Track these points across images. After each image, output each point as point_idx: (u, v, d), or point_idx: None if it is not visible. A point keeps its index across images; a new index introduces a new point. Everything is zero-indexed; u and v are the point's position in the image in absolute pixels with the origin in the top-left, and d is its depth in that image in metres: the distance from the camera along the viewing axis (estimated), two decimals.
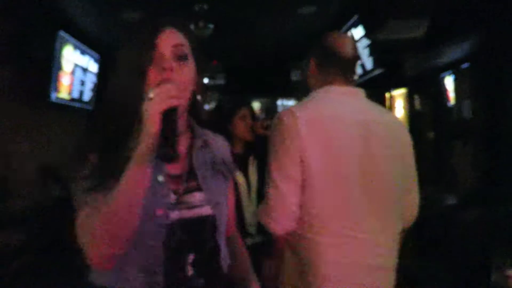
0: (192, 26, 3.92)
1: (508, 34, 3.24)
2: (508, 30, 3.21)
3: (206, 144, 0.92)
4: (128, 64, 0.80)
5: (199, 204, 0.86)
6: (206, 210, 0.87)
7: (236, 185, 1.72)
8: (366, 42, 4.18)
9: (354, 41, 1.34)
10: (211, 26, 3.92)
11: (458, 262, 2.27)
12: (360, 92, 1.27)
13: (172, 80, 0.77)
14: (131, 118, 0.76)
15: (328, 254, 1.13)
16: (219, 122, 1.99)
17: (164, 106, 0.70)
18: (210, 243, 0.87)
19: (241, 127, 1.96)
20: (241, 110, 2.00)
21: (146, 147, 0.69)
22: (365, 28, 4.06)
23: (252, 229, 1.88)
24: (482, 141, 3.59)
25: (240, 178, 1.88)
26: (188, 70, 0.83)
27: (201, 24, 3.84)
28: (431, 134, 6.12)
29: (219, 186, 0.92)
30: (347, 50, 1.26)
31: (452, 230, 2.86)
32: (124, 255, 0.74)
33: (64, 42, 4.01)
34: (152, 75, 0.79)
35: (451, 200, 3.59)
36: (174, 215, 0.82)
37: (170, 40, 0.81)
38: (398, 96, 6.82)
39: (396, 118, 1.29)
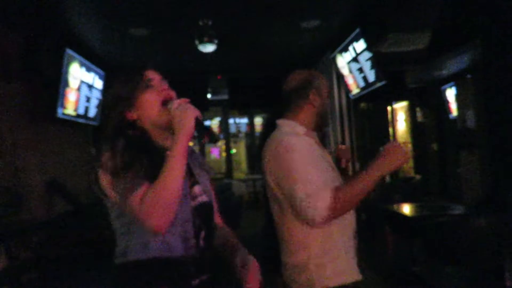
0: (196, 41, 3.99)
1: (507, 44, 3.29)
2: (506, 40, 3.27)
3: (192, 151, 1.24)
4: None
5: (200, 194, 1.17)
6: (204, 198, 1.17)
7: None
8: (368, 55, 4.23)
9: (296, 75, 1.53)
10: (216, 41, 3.98)
11: (471, 268, 2.25)
12: (279, 123, 1.50)
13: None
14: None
15: None
16: None
17: (197, 112, 1.06)
18: (211, 223, 1.19)
19: None
20: None
21: (186, 142, 1.04)
22: (367, 41, 4.12)
23: None
24: (488, 150, 3.60)
25: None
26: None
27: (206, 39, 3.90)
28: (434, 145, 6.14)
29: (206, 180, 1.23)
30: (284, 85, 1.54)
31: (463, 237, 2.85)
32: (169, 227, 1.02)
33: (71, 60, 4.07)
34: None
35: (459, 210, 3.58)
36: (193, 202, 1.14)
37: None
38: (400, 109, 6.87)
39: (270, 145, 1.42)
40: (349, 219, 1.42)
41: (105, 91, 1.39)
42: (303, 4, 3.72)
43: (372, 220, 4.00)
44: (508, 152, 3.30)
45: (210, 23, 3.87)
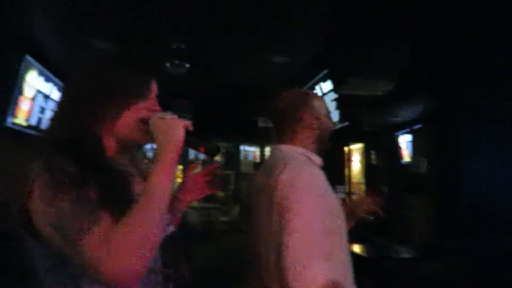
0: (167, 63, 3.95)
1: (460, 99, 3.57)
2: (459, 95, 3.56)
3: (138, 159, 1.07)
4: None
5: (169, 223, 0.99)
6: (171, 228, 0.98)
7: None
8: (333, 96, 4.40)
9: (286, 95, 1.34)
10: (187, 65, 3.96)
11: None
12: (277, 151, 1.29)
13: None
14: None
15: None
16: None
17: (185, 122, 0.86)
18: (180, 263, 1.01)
19: None
20: None
21: (173, 159, 0.81)
22: (334, 82, 4.30)
23: None
24: (436, 196, 3.80)
25: None
26: None
27: (177, 62, 3.86)
28: (384, 188, 6.39)
29: None
30: (272, 106, 1.34)
31: (409, 281, 2.92)
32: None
33: (29, 67, 3.84)
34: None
35: (405, 253, 3.70)
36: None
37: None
38: (356, 150, 7.14)
39: (275, 176, 1.15)
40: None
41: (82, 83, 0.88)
42: (273, 40, 3.83)
43: None
44: (455, 199, 3.51)
45: (183, 46, 3.86)
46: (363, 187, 6.67)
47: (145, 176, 0.89)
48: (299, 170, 1.13)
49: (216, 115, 6.10)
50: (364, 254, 3.40)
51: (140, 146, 0.95)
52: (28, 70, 3.84)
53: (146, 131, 0.87)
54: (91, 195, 0.72)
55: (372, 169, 6.69)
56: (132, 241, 0.70)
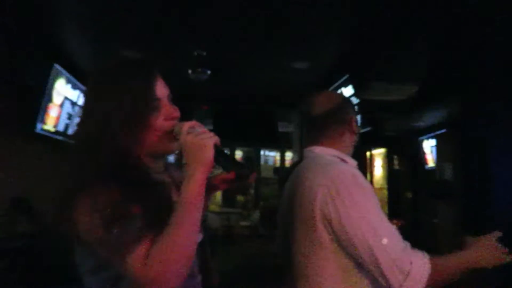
0: (190, 70, 4.02)
1: (484, 102, 3.48)
2: (483, 98, 3.46)
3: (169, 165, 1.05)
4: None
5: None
6: (200, 235, 0.95)
7: None
8: (355, 100, 4.37)
9: (329, 97, 1.30)
10: (209, 71, 4.02)
11: None
12: (310, 152, 1.24)
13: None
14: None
15: None
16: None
17: (215, 139, 0.83)
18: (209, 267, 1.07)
19: None
20: None
21: (203, 179, 0.81)
22: (355, 87, 4.27)
23: None
24: (464, 202, 3.70)
25: None
26: None
27: (199, 69, 3.93)
28: (408, 194, 6.27)
29: None
30: (312, 109, 1.26)
31: None
32: None
33: (57, 75, 3.98)
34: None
35: None
36: None
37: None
38: (378, 155, 7.04)
39: (325, 174, 1.08)
40: None
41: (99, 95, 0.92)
42: (293, 45, 3.85)
43: None
44: (483, 205, 3.40)
45: (204, 53, 3.92)
46: (385, 192, 6.56)
47: (178, 184, 0.90)
48: (336, 173, 1.07)
49: (236, 120, 6.15)
50: None
51: (170, 154, 0.95)
52: (57, 78, 3.98)
53: (174, 139, 0.87)
54: (134, 212, 0.75)
55: (395, 174, 6.59)
56: (170, 259, 0.74)
